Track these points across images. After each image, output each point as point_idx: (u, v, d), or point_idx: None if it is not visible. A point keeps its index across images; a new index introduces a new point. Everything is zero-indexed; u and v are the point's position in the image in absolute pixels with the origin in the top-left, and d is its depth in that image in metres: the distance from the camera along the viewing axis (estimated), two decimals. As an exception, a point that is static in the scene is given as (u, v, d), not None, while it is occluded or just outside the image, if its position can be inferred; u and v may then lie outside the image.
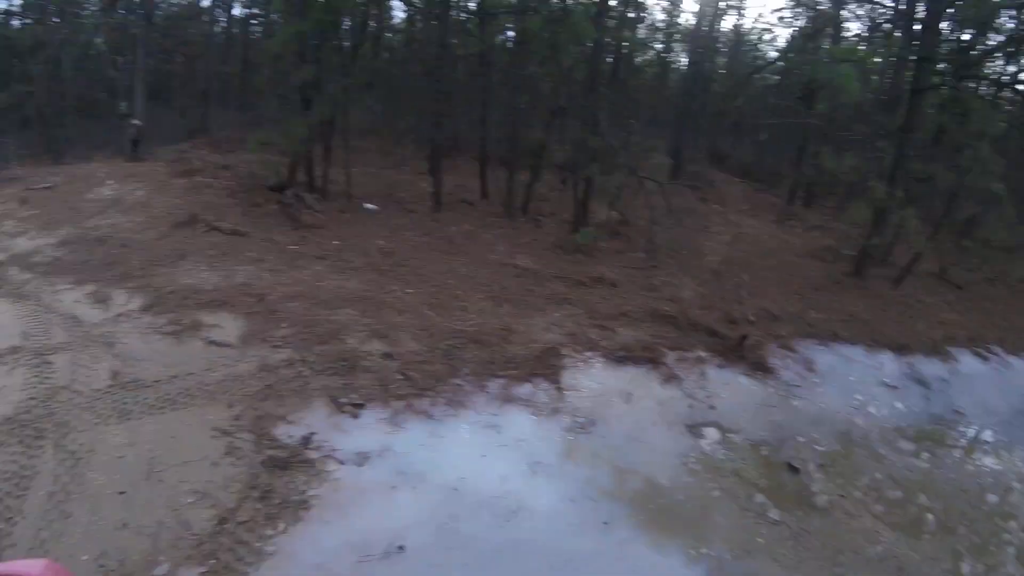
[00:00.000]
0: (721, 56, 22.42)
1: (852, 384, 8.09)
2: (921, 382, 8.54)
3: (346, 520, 4.29)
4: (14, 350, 5.40)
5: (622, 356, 7.17)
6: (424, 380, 5.89)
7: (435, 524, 4.47)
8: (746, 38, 21.21)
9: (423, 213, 10.57)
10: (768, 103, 17.20)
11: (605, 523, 5.01)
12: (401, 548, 4.14)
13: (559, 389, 6.38)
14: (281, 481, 4.41)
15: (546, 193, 12.26)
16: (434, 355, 6.33)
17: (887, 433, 7.41)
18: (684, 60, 20.77)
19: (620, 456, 5.88)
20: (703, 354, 7.58)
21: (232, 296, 6.73)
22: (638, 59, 19.30)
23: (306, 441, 4.81)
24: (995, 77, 13.42)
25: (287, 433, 4.88)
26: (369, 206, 10.23)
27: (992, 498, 6.86)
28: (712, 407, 6.89)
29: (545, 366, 6.59)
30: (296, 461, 4.61)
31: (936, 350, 9.21)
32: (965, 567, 5.64)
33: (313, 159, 10.36)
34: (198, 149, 12.27)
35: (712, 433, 6.65)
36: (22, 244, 7.70)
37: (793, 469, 6.36)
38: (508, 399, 6.07)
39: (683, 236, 11.04)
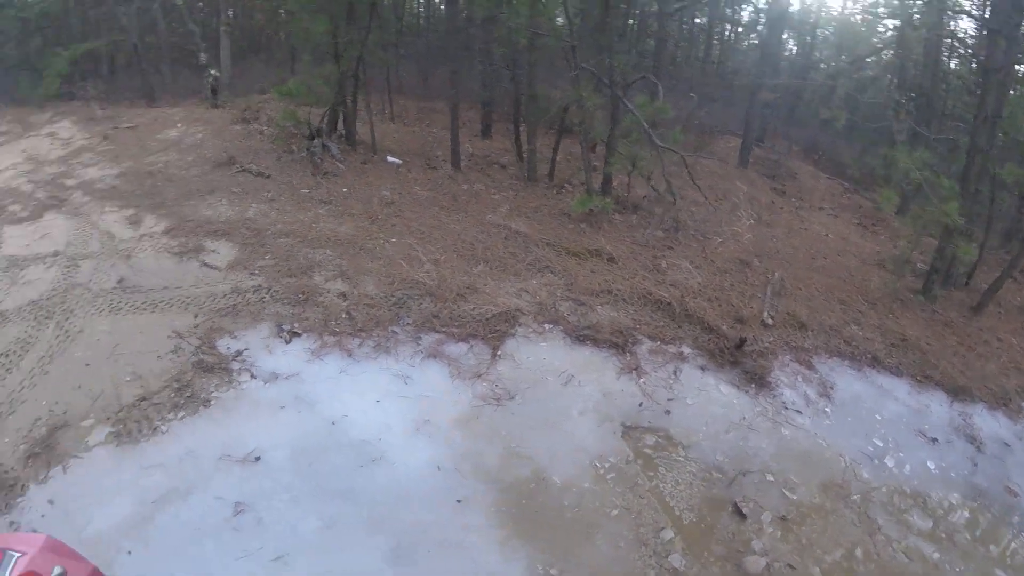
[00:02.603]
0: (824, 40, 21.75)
1: (875, 424, 7.26)
2: (972, 439, 7.39)
3: (229, 424, 5.60)
4: (55, 254, 7.61)
5: (584, 335, 7.55)
6: (364, 322, 7.14)
7: (298, 448, 5.50)
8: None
9: (444, 171, 11.95)
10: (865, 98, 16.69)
11: (458, 501, 5.32)
12: (257, 459, 5.33)
13: (494, 356, 7.03)
14: (200, 381, 5.95)
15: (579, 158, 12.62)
16: (386, 302, 7.55)
17: (898, 497, 6.38)
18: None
19: (521, 439, 6.06)
20: (687, 350, 7.67)
21: (235, 228, 8.57)
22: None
23: (237, 354, 6.38)
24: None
25: (226, 345, 6.47)
26: (392, 159, 11.83)
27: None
28: (668, 412, 6.77)
29: (490, 330, 7.34)
30: (220, 368, 6.14)
31: (1005, 401, 8.08)
32: None
33: (346, 112, 12.15)
34: (271, 101, 14.42)
35: (650, 440, 6.42)
36: (91, 173, 10.21)
37: (739, 513, 5.69)
38: (435, 355, 6.90)
39: (715, 220, 11.35)
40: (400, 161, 11.83)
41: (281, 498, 5.07)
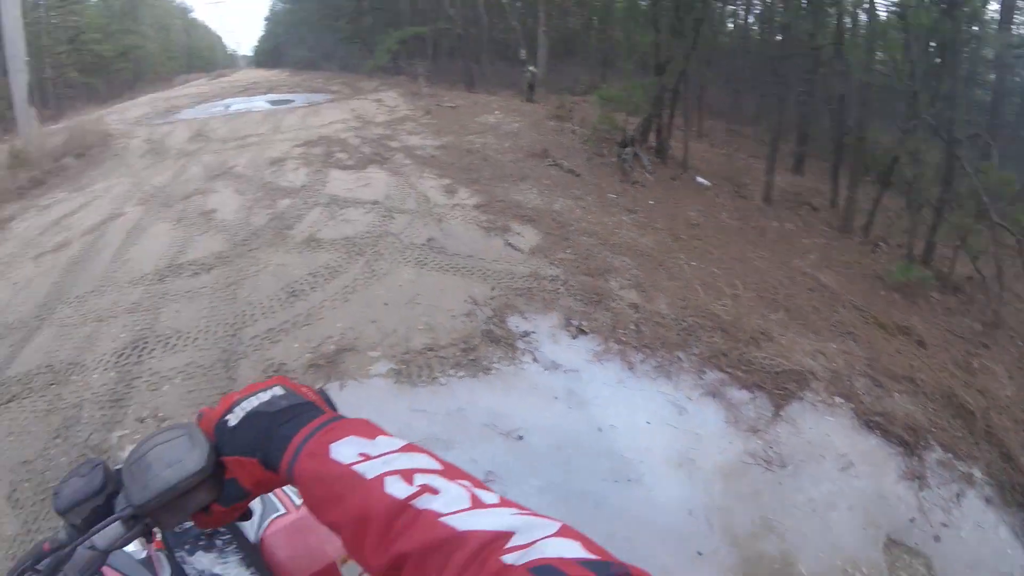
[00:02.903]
0: None
1: None
2: None
3: (502, 397, 5.47)
4: (375, 203, 8.04)
5: (874, 422, 6.58)
6: (651, 339, 6.66)
7: (560, 441, 5.26)
8: None
9: (753, 202, 11.31)
10: None
11: (699, 554, 4.90)
12: (520, 438, 5.16)
13: (775, 415, 6.30)
14: (486, 349, 5.87)
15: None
16: (676, 324, 7.05)
17: None
18: None
19: (780, 513, 5.46)
20: (977, 474, 6.41)
21: (542, 217, 8.57)
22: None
23: (524, 335, 6.20)
24: None
25: (516, 324, 6.32)
26: (701, 180, 11.34)
27: None
28: (937, 539, 5.67)
29: (777, 386, 6.59)
30: (505, 342, 6.03)
31: None
32: None
33: (661, 125, 11.96)
34: (583, 103, 14.71)
35: (910, 564, 5.38)
36: (414, 141, 10.90)
37: None
38: (715, 394, 6.28)
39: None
40: (708, 183, 11.35)
41: (530, 483, 4.83)
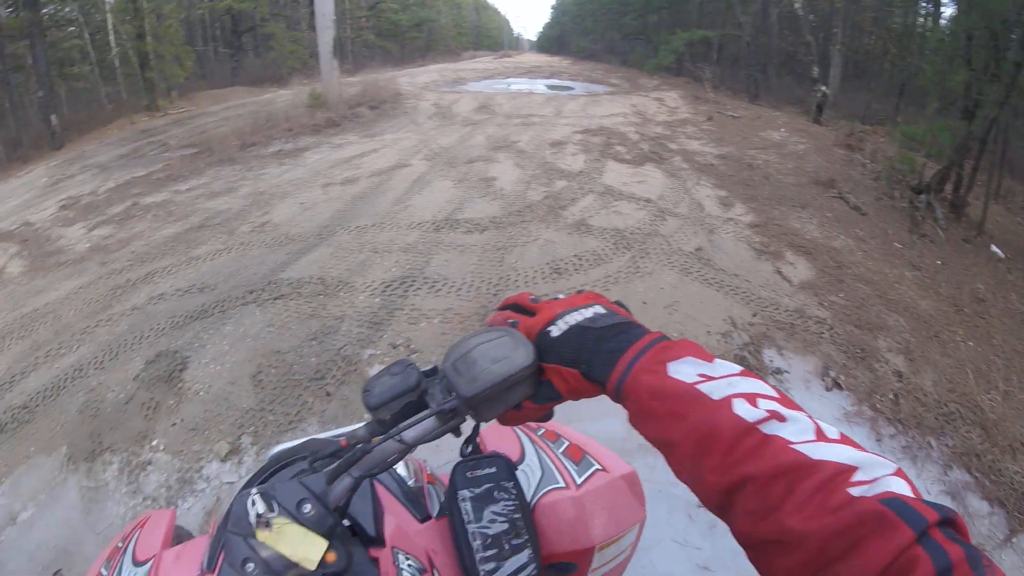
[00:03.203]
0: None
1: None
2: None
3: None
4: (648, 201, 7.97)
5: None
6: (906, 415, 5.87)
7: None
8: None
9: None
10: None
11: None
12: None
13: (1006, 540, 5.37)
14: None
15: None
16: (936, 407, 6.21)
17: None
18: None
19: None
20: None
21: (818, 252, 8.04)
22: None
23: (777, 372, 5.74)
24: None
25: (770, 357, 5.99)
26: (995, 250, 10.04)
27: None
28: None
29: (1022, 509, 5.89)
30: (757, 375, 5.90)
31: None
32: None
33: (961, 176, 10.64)
34: (874, 134, 13.60)
35: None
36: (693, 146, 10.68)
37: None
38: (954, 495, 5.44)
39: None
40: (1003, 255, 9.98)
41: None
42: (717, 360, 0.76)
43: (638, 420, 0.76)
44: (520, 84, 21.27)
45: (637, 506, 1.27)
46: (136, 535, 1.41)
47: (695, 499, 3.18)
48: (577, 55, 41.59)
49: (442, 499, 1.26)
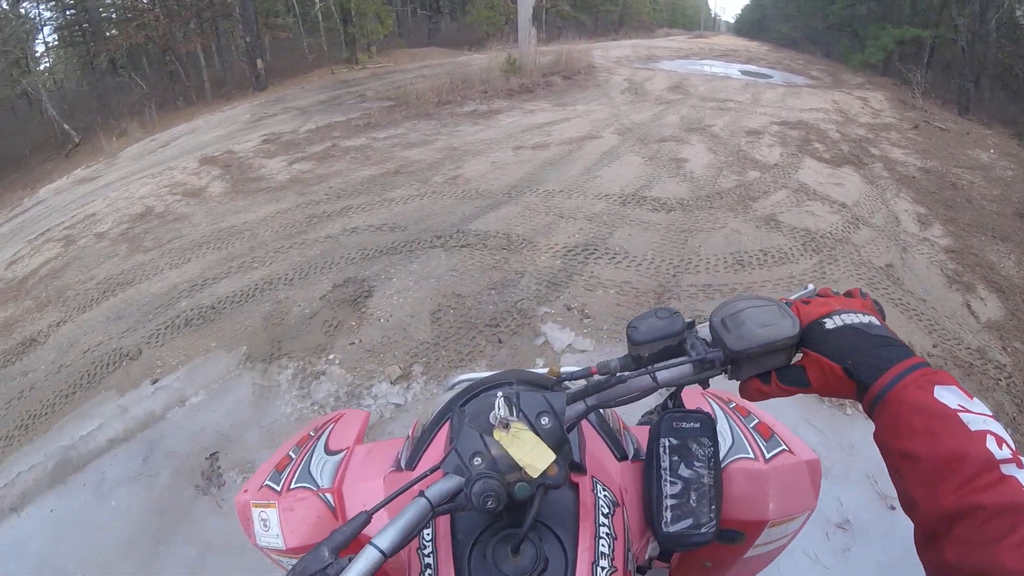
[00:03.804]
0: None
1: None
2: None
3: None
4: (843, 206, 7.66)
5: None
6: None
7: None
8: None
9: None
10: None
11: None
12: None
13: None
14: None
15: None
16: None
17: None
18: None
19: None
20: None
21: (1012, 291, 7.18)
22: None
23: None
24: None
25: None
26: None
27: None
28: None
29: None
30: None
31: None
32: None
33: None
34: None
35: None
36: (896, 154, 10.17)
37: None
38: None
39: None
40: None
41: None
42: (975, 398, 0.79)
43: (889, 431, 0.81)
44: (716, 67, 20.64)
45: (812, 495, 1.30)
46: (330, 428, 1.50)
47: (838, 518, 3.07)
48: (777, 42, 39.47)
49: (636, 444, 1.34)
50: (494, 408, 0.86)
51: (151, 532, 3.50)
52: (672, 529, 1.07)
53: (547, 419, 0.87)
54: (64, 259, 7.59)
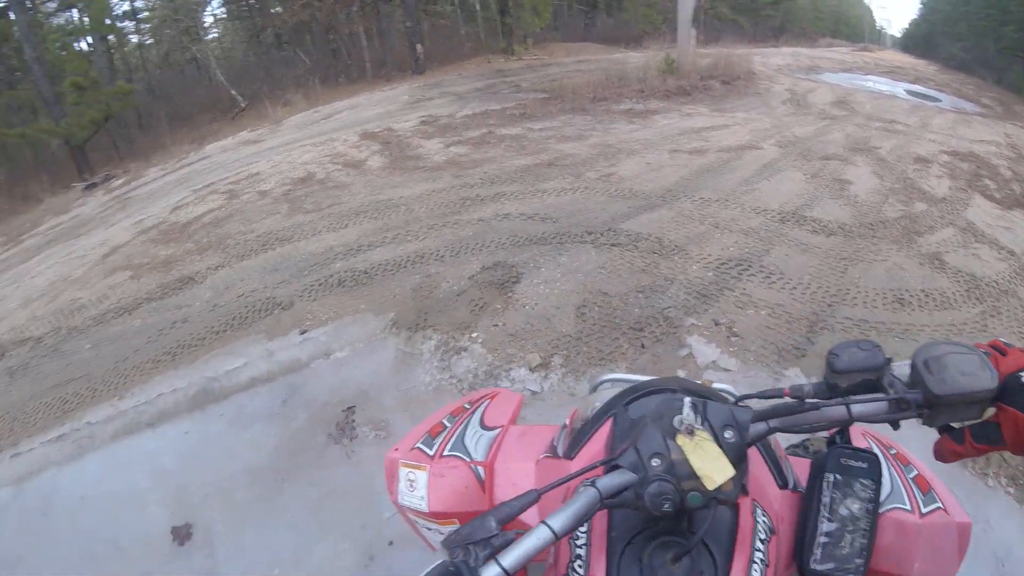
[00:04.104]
0: None
1: None
2: None
3: None
4: (1011, 253, 6.93)
5: None
6: None
7: None
8: None
9: None
10: None
11: None
12: None
13: None
14: None
15: None
16: None
17: None
18: None
19: None
20: None
21: None
22: None
23: None
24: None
25: None
26: None
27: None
28: None
29: None
30: None
31: None
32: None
33: None
34: None
35: None
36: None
37: None
38: None
39: None
40: None
41: None
42: None
43: None
44: (881, 84, 19.44)
45: (957, 561, 1.24)
46: (486, 403, 1.53)
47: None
48: (945, 62, 36.92)
49: (794, 474, 1.29)
50: (680, 413, 0.88)
51: (279, 468, 3.74)
52: (820, 567, 1.05)
53: (731, 433, 0.88)
54: (227, 210, 8.20)
